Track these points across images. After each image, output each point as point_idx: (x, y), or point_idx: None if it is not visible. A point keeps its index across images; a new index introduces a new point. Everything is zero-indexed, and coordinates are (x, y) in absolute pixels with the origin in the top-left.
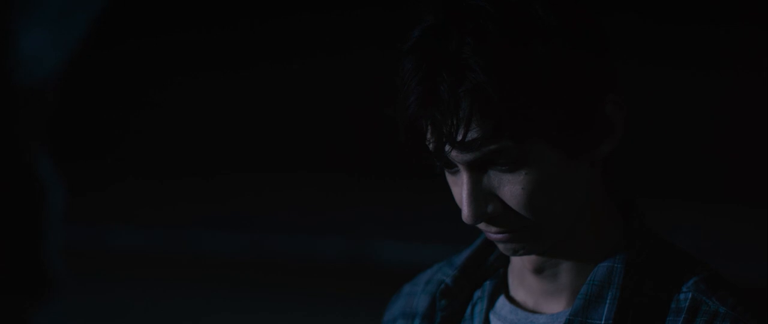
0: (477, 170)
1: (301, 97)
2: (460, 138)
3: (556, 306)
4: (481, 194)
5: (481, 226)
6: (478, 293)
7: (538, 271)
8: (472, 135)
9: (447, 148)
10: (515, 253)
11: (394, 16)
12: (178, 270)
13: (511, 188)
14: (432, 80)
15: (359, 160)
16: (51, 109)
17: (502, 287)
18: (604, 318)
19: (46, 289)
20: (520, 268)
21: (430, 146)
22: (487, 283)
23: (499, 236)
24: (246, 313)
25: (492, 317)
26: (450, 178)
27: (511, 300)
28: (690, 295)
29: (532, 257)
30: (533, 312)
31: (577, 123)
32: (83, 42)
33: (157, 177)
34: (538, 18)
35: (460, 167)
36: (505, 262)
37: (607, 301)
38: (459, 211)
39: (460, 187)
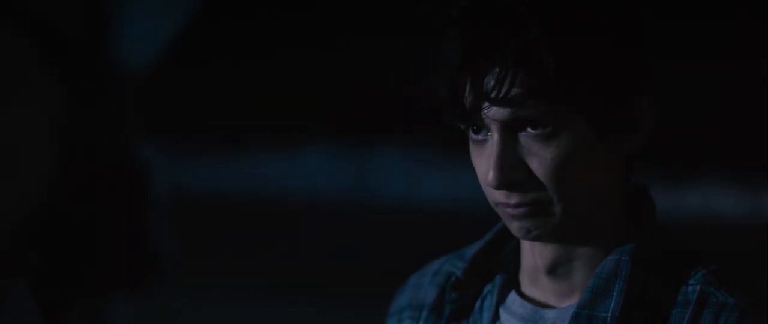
0: (509, 133)
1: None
2: (503, 92)
3: (567, 303)
4: (509, 159)
5: (501, 196)
6: (488, 287)
7: (551, 270)
8: (514, 91)
9: (484, 105)
10: (528, 233)
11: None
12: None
13: (539, 157)
14: (482, 32)
15: None
16: (148, 94)
17: (513, 283)
18: (610, 310)
19: (157, 275)
20: (532, 268)
21: (467, 103)
22: (498, 277)
23: (516, 211)
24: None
25: (502, 311)
26: (475, 150)
27: (522, 295)
28: (698, 287)
29: (546, 255)
30: (544, 307)
31: (612, 104)
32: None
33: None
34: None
35: (493, 128)
36: (517, 256)
37: (614, 294)
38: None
39: (486, 157)
